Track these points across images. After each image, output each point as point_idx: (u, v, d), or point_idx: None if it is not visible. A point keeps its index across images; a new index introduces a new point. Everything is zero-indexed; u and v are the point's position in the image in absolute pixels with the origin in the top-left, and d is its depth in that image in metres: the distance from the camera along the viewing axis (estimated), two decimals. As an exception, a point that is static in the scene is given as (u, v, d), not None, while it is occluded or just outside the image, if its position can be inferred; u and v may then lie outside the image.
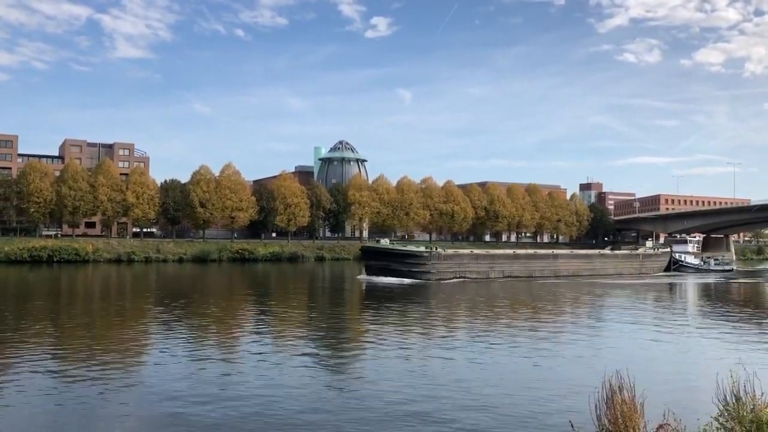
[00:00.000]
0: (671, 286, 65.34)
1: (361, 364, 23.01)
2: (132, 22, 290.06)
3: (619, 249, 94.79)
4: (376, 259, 65.21)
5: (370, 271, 64.51)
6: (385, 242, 69.51)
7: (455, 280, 63.06)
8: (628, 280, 70.10)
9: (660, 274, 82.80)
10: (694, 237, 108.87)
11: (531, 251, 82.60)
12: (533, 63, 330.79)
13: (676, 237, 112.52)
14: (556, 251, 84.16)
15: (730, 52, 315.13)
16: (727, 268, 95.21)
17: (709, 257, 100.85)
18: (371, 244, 73.37)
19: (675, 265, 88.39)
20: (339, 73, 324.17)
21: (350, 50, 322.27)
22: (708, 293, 58.53)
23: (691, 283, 69.39)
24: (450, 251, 69.93)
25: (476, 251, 74.56)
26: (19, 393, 17.36)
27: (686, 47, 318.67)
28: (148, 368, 21.33)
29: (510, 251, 78.22)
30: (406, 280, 60.06)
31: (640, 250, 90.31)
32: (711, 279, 76.07)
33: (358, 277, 65.32)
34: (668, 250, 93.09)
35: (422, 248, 67.87)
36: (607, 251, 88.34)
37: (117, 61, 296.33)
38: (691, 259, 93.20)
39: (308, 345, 26.34)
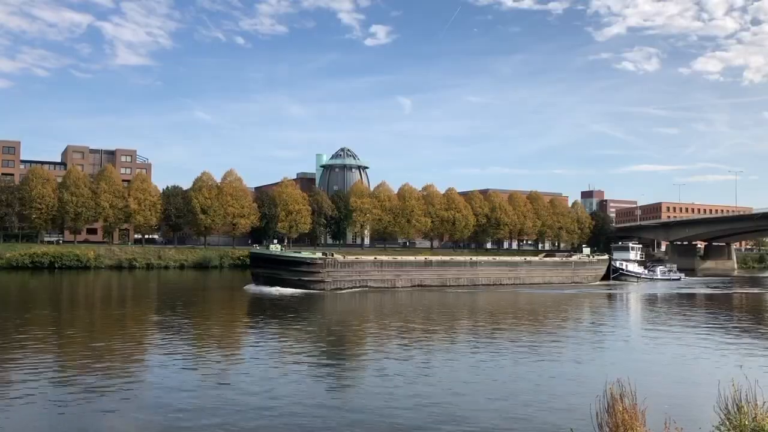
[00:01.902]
0: (609, 297, 60.86)
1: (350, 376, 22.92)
2: (133, 30, 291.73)
3: (554, 256, 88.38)
4: (264, 267, 59.63)
5: (258, 280, 59.14)
6: (275, 248, 63.52)
7: (354, 289, 58.52)
8: (556, 289, 65.26)
9: (596, 283, 77.07)
10: (637, 243, 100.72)
11: (446, 258, 75.70)
12: (533, 71, 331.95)
13: (619, 243, 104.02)
14: (474, 258, 78.03)
15: (728, 61, 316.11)
16: (674, 277, 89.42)
17: (654, 265, 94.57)
18: (259, 249, 67.69)
19: (615, 274, 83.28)
20: (339, 81, 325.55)
21: (350, 58, 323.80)
22: (632, 306, 53.94)
23: (624, 294, 64.32)
24: (351, 258, 64.85)
25: (381, 258, 69.30)
26: (19, 400, 17.33)
27: (684, 56, 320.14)
28: (147, 377, 21.29)
29: (421, 258, 71.83)
30: (297, 291, 55.21)
31: (574, 258, 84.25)
32: (653, 289, 70.53)
33: (246, 287, 59.08)
34: (606, 257, 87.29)
35: (318, 255, 62.59)
36: (535, 258, 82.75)
37: (118, 68, 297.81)
38: (633, 267, 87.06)
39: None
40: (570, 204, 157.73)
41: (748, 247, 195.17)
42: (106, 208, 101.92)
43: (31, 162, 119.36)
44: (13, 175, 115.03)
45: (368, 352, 27.14)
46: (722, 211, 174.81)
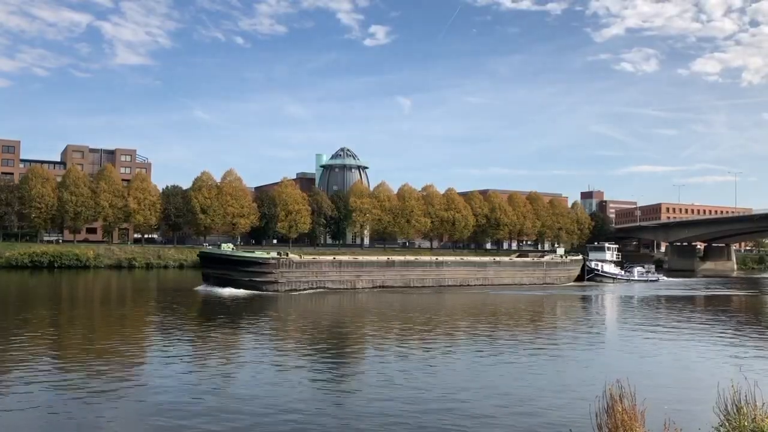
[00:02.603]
0: (582, 299, 58.33)
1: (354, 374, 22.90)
2: (132, 29, 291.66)
3: (526, 256, 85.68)
4: (214, 267, 57.33)
5: (209, 281, 56.96)
6: (226, 247, 61.13)
7: (311, 291, 56.50)
8: (527, 291, 63.52)
9: (570, 284, 75.15)
10: (613, 243, 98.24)
11: (411, 257, 72.93)
12: (532, 71, 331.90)
13: (594, 244, 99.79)
14: (440, 258, 75.14)
15: (726, 62, 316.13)
16: (652, 278, 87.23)
17: (632, 266, 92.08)
18: (210, 249, 65.47)
19: (589, 275, 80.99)
20: (339, 81, 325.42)
21: (349, 58, 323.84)
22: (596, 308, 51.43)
23: (599, 296, 62.05)
24: (308, 258, 62.17)
25: (340, 258, 66.50)
26: (15, 401, 17.29)
27: (683, 57, 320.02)
28: (144, 378, 21.25)
29: (384, 258, 69.18)
30: (249, 292, 53.08)
31: (546, 258, 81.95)
32: (629, 291, 68.20)
33: (197, 288, 56.85)
34: (580, 258, 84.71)
35: (273, 254, 59.58)
36: (505, 259, 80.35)
37: (117, 67, 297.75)
38: (609, 268, 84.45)
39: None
40: (570, 205, 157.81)
41: (748, 248, 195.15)
42: (106, 208, 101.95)
43: (30, 161, 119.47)
44: (12, 174, 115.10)
45: (319, 357, 25.81)
46: (722, 212, 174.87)
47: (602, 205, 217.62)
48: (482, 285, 68.28)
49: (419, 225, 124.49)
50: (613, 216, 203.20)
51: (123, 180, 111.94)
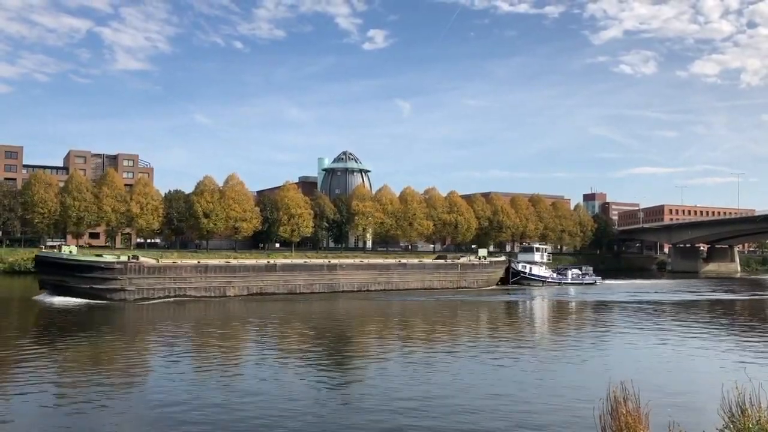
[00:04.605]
0: (491, 305, 53.06)
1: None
2: (131, 35, 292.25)
3: (445, 259, 78.01)
4: (51, 273, 51.37)
5: (47, 288, 51.23)
6: (68, 249, 55.08)
7: (168, 299, 50.59)
8: (437, 296, 59.01)
9: (491, 288, 70.29)
10: (543, 244, 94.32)
11: (299, 261, 67.41)
12: (531, 74, 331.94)
13: (523, 244, 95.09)
14: (333, 260, 68.88)
15: (725, 64, 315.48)
16: (588, 281, 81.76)
17: (565, 268, 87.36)
18: (46, 252, 59.38)
19: (515, 278, 75.79)
20: (338, 85, 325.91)
21: (349, 62, 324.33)
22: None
23: (520, 302, 56.75)
24: (166, 262, 56.67)
25: (207, 261, 59.93)
26: (19, 405, 17.28)
27: (681, 59, 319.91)
28: (144, 384, 21.25)
29: (263, 261, 63.25)
30: (89, 301, 47.48)
31: (462, 260, 76.27)
32: (555, 295, 63.50)
33: (36, 297, 50.73)
34: (503, 259, 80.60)
35: (122, 258, 53.81)
36: (413, 261, 74.03)
37: (117, 73, 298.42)
38: (537, 270, 78.93)
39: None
40: (572, 207, 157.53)
41: (752, 249, 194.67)
42: (108, 213, 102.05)
43: (33, 167, 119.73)
44: (15, 179, 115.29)
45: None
46: (724, 213, 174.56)
47: (605, 207, 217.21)
48: (384, 290, 63.36)
49: (422, 228, 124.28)
50: (615, 218, 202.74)
51: (125, 185, 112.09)
